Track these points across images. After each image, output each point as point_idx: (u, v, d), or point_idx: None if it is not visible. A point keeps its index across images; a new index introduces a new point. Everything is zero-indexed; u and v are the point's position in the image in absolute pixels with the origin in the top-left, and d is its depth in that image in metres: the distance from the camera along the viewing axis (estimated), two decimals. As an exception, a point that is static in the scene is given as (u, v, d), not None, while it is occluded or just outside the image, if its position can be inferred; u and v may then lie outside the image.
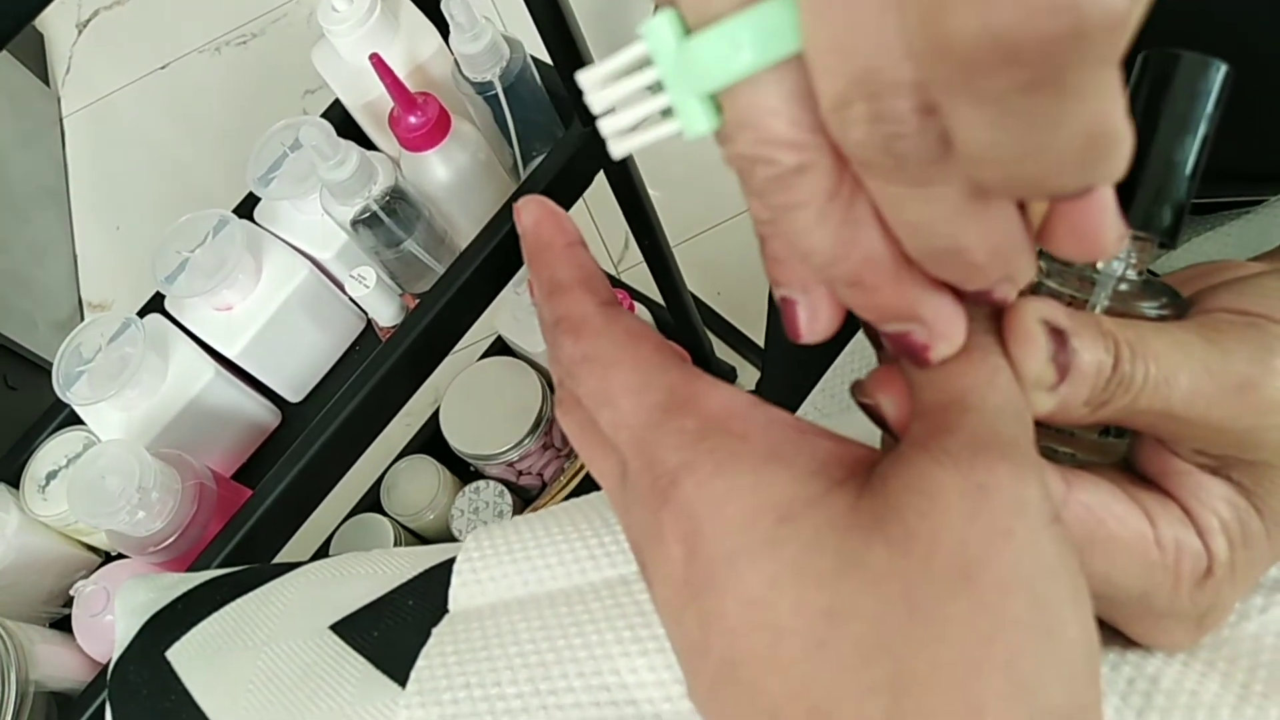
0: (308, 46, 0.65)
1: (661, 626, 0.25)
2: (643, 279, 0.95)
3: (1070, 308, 0.19)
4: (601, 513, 0.29)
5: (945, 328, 0.18)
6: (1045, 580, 0.16)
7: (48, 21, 1.59)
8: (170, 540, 0.60)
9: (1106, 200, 0.17)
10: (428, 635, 0.28)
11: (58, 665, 0.62)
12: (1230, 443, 0.19)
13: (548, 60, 0.61)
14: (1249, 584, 0.21)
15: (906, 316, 0.17)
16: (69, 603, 0.65)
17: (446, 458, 0.96)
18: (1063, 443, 0.21)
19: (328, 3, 0.60)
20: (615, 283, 1.09)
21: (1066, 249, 0.17)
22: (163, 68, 1.51)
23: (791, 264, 0.18)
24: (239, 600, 0.35)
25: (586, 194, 0.67)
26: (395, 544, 0.94)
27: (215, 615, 0.35)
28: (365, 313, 0.67)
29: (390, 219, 0.60)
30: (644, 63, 0.17)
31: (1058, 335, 0.18)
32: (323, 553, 0.97)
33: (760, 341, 1.00)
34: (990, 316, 0.19)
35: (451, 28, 0.58)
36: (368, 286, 0.63)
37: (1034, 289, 0.22)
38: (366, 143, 0.68)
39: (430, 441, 0.97)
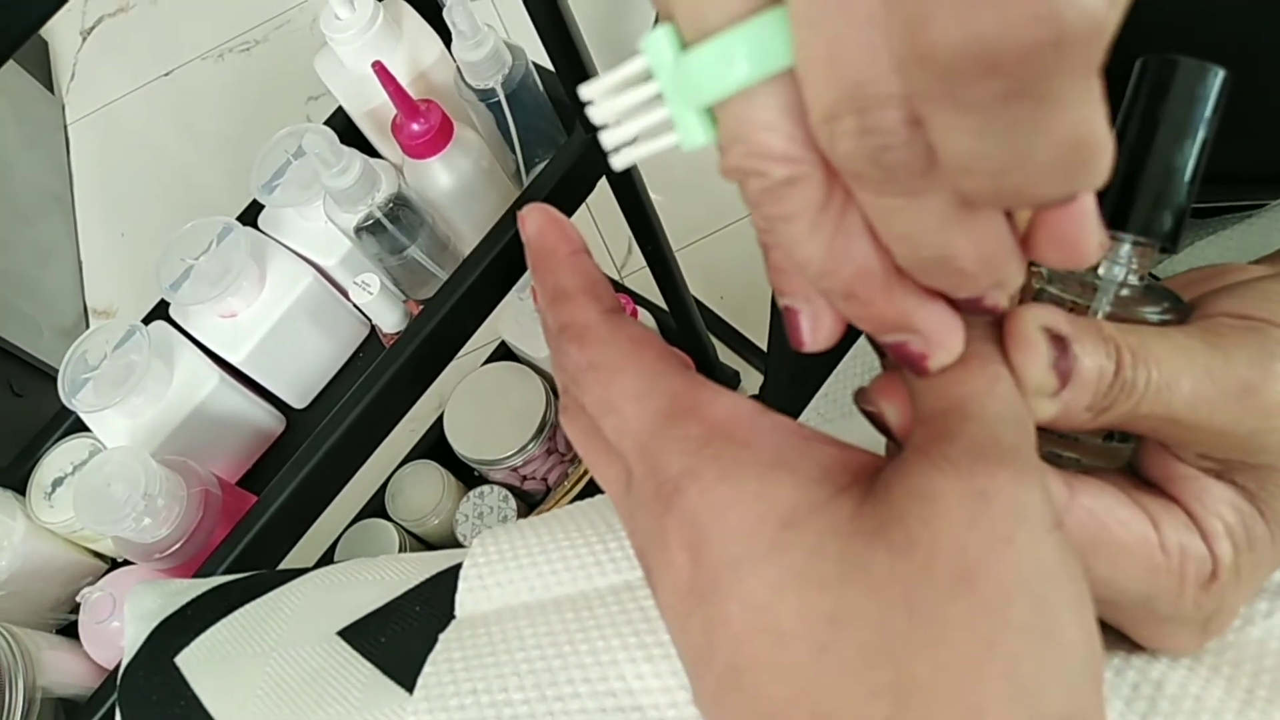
0: (311, 53, 0.65)
1: (667, 632, 0.25)
2: (646, 284, 0.95)
3: (1071, 314, 0.19)
4: (607, 518, 0.29)
5: (942, 337, 0.18)
6: (1046, 585, 0.17)
7: (52, 28, 1.60)
8: (176, 546, 0.60)
9: (1088, 208, 0.17)
10: (435, 641, 0.28)
11: (65, 671, 0.62)
12: (1233, 447, 0.19)
13: (550, 67, 0.61)
14: (1254, 588, 0.21)
15: (902, 327, 0.18)
16: (76, 609, 0.65)
17: (451, 463, 0.96)
18: (1066, 448, 0.21)
19: (330, 10, 0.61)
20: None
21: (1050, 256, 0.17)
22: (166, 74, 1.52)
23: (793, 274, 0.19)
24: (247, 606, 0.35)
25: (589, 199, 0.67)
26: (400, 549, 0.94)
27: (223, 621, 0.35)
28: (369, 319, 0.68)
29: (393, 226, 0.60)
30: (645, 76, 0.17)
31: (1059, 342, 0.18)
32: (328, 558, 0.97)
33: (763, 345, 1.00)
34: (991, 324, 0.19)
35: (454, 35, 0.59)
36: (371, 293, 0.63)
37: (1035, 295, 0.22)
38: (370, 150, 0.68)
39: (435, 447, 0.97)
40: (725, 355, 1.09)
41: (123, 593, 0.63)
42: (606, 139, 0.18)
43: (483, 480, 0.97)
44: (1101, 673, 0.18)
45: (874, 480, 0.18)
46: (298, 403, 0.70)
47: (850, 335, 0.21)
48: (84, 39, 1.59)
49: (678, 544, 0.19)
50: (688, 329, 0.95)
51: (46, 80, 1.53)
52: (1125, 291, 0.21)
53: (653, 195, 0.77)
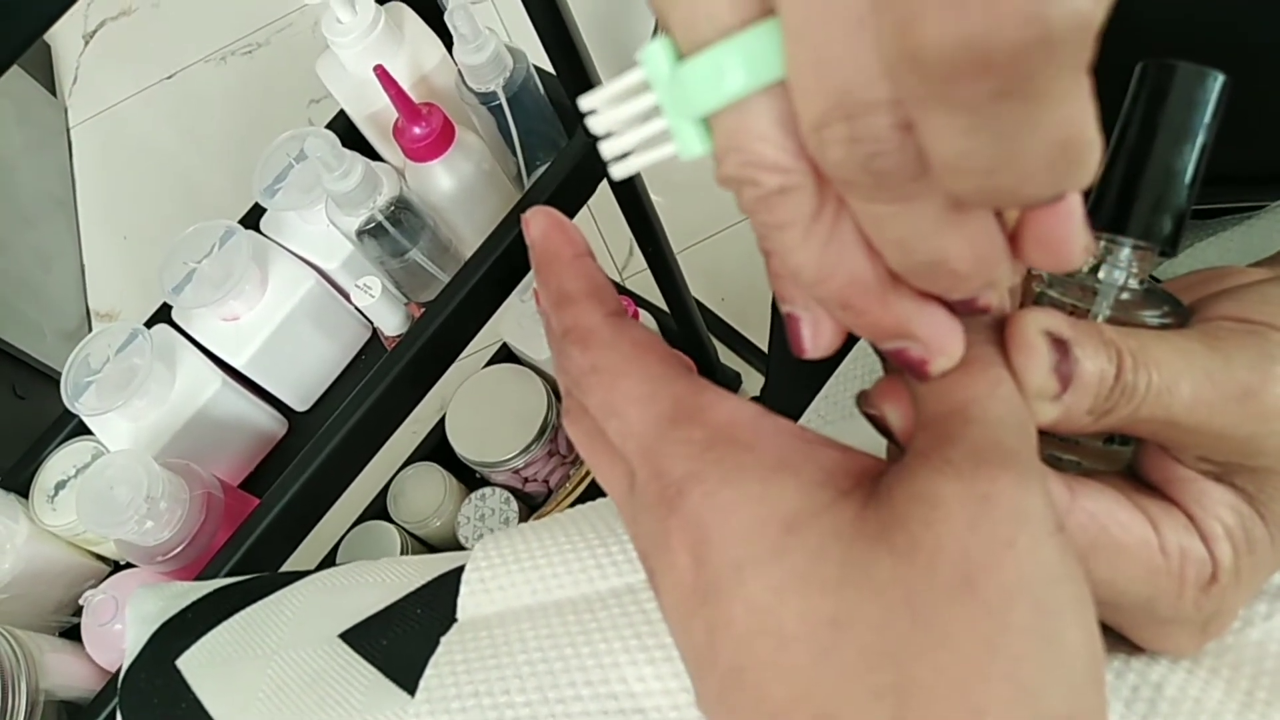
0: (313, 56, 0.66)
1: (669, 635, 0.25)
2: (647, 286, 0.95)
3: (1072, 317, 0.19)
4: (608, 521, 0.29)
5: (942, 342, 0.18)
6: (1047, 588, 0.17)
7: (55, 32, 1.60)
8: (178, 549, 0.60)
9: (1074, 210, 0.17)
10: (436, 644, 0.28)
11: (67, 674, 0.63)
12: (1233, 449, 0.19)
13: (551, 70, 0.61)
14: (1253, 590, 0.21)
15: (900, 334, 0.18)
16: (78, 612, 0.66)
17: (452, 465, 0.96)
18: (1067, 451, 0.22)
19: (332, 14, 0.61)
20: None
21: (1036, 258, 0.17)
22: (169, 78, 1.52)
23: (794, 281, 0.19)
24: (248, 609, 0.35)
25: (590, 201, 0.68)
26: (402, 551, 0.94)
27: (225, 624, 0.35)
28: (371, 322, 0.68)
29: (395, 229, 0.60)
30: (643, 87, 0.17)
31: (1060, 345, 0.19)
32: (329, 561, 0.97)
33: (764, 347, 1.00)
34: (992, 327, 0.19)
35: (455, 39, 0.59)
36: (373, 296, 0.63)
37: (1035, 299, 0.22)
38: (371, 153, 0.68)
39: (436, 449, 0.97)
40: (726, 357, 1.09)
41: (125, 595, 0.63)
42: (606, 149, 0.18)
43: (484, 482, 0.97)
44: (1103, 675, 0.18)
45: (876, 484, 0.19)
46: (300, 405, 0.70)
47: (851, 339, 0.21)
48: (86, 42, 1.60)
49: (681, 546, 0.19)
50: (689, 331, 0.95)
51: (49, 83, 1.53)
52: (1125, 295, 0.22)
53: (654, 197, 0.77)
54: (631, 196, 0.74)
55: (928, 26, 0.12)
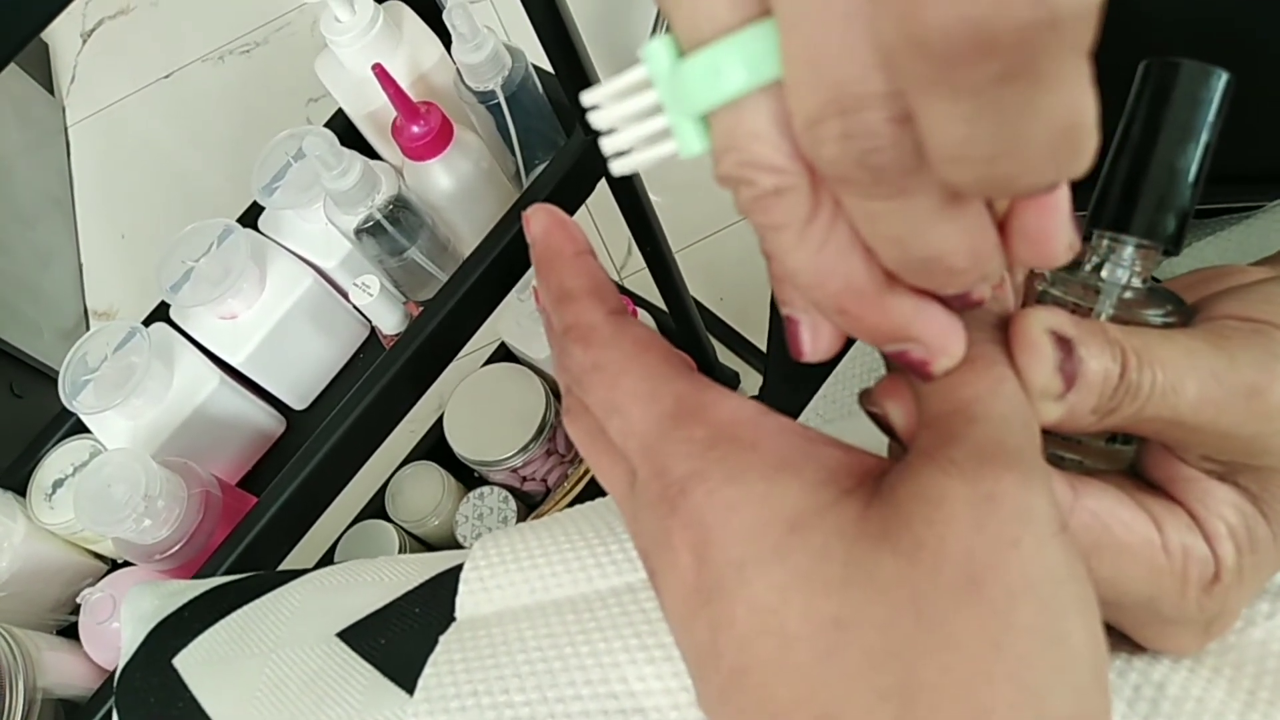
0: (311, 55, 0.66)
1: (669, 634, 0.25)
2: (645, 285, 0.95)
3: (1075, 316, 0.19)
4: (608, 520, 0.29)
5: (942, 342, 0.18)
6: (1052, 588, 0.17)
7: (52, 31, 1.60)
8: (176, 548, 0.60)
9: (1062, 204, 0.17)
10: (435, 643, 0.28)
11: (65, 672, 0.62)
12: (1237, 449, 0.19)
13: (549, 69, 0.61)
14: (1256, 589, 0.21)
15: (899, 337, 0.18)
16: (76, 610, 0.65)
17: (451, 464, 0.96)
18: (1070, 450, 0.21)
19: (330, 13, 0.61)
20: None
21: (1022, 252, 0.17)
22: (167, 77, 1.52)
23: (793, 284, 0.19)
24: (245, 607, 0.35)
25: (589, 200, 0.68)
26: (400, 550, 0.94)
27: (222, 622, 0.35)
28: (369, 321, 0.68)
29: (394, 228, 0.60)
30: (645, 84, 0.17)
31: (1064, 344, 0.18)
32: (328, 559, 0.97)
33: (763, 346, 1.00)
34: (996, 326, 0.19)
35: (453, 37, 0.59)
36: (371, 295, 0.63)
37: (1038, 298, 0.22)
38: (370, 152, 0.68)
39: (434, 448, 0.97)
40: (725, 356, 1.09)
41: (123, 594, 0.63)
42: (607, 145, 0.18)
43: (483, 481, 0.97)
44: (1107, 675, 0.18)
45: (879, 483, 0.18)
46: (298, 404, 0.70)
47: (850, 340, 0.21)
48: (84, 41, 1.59)
49: (683, 545, 0.19)
50: (687, 330, 0.95)
51: (47, 82, 1.53)
52: (1128, 294, 0.21)
53: (652, 196, 0.77)
54: (630, 196, 0.74)
55: (932, 9, 0.12)
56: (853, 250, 0.16)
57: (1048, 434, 0.19)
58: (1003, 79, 0.12)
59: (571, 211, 0.66)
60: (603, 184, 0.69)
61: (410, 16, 0.65)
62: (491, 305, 0.66)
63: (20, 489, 0.67)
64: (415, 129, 0.60)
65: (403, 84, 0.58)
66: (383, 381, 0.62)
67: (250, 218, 0.69)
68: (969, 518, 0.17)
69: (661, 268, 0.85)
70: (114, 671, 0.61)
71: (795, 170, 0.16)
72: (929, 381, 0.19)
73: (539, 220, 0.23)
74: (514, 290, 0.68)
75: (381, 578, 0.34)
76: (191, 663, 0.34)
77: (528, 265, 0.66)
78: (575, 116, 0.64)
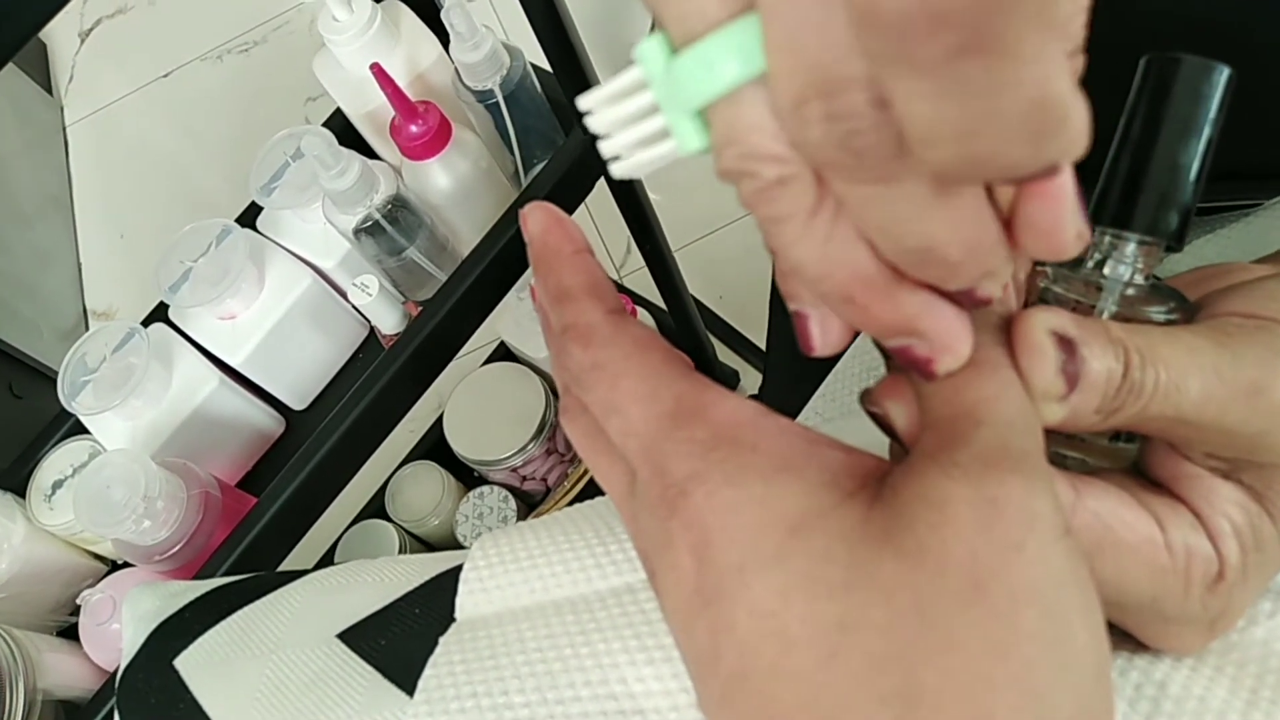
0: (309, 54, 0.65)
1: (669, 635, 0.25)
2: (645, 283, 0.95)
3: (1078, 315, 0.19)
4: (607, 520, 0.29)
5: (948, 340, 0.18)
6: (1056, 592, 0.16)
7: (50, 31, 1.60)
8: (176, 548, 0.60)
9: (1066, 193, 0.17)
10: (435, 644, 0.28)
11: (65, 674, 0.62)
12: (1242, 446, 0.19)
13: (548, 68, 0.61)
14: (1260, 588, 0.21)
15: (905, 331, 0.17)
16: (76, 611, 0.65)
17: (450, 464, 0.96)
18: (1073, 449, 0.21)
19: (328, 12, 0.60)
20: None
21: (1030, 245, 0.17)
22: (165, 76, 1.52)
23: (798, 278, 0.19)
24: (246, 608, 0.35)
25: (588, 199, 0.67)
26: (400, 550, 0.94)
27: (222, 623, 0.35)
28: (368, 320, 0.68)
29: (392, 227, 0.60)
30: (641, 85, 0.17)
31: (1066, 345, 0.18)
32: (328, 559, 0.97)
33: (762, 344, 1.00)
34: (999, 328, 0.19)
35: (452, 36, 0.59)
36: (370, 294, 0.63)
37: (1040, 295, 0.22)
38: (368, 151, 0.68)
39: (434, 448, 0.97)
40: (724, 354, 1.09)
41: (123, 595, 0.63)
42: (605, 148, 0.18)
43: (482, 481, 0.97)
44: (1111, 678, 0.17)
45: (881, 485, 0.18)
46: (297, 404, 0.70)
47: (854, 336, 0.21)
48: (82, 41, 1.59)
49: (683, 547, 0.18)
50: (686, 328, 0.95)
51: (45, 82, 1.53)
52: (1130, 291, 0.21)
53: (651, 195, 0.77)
54: (629, 194, 0.74)
55: None
56: (859, 241, 0.16)
57: (1050, 433, 0.19)
58: (960, 52, 0.12)
59: (570, 210, 0.66)
60: (601, 183, 0.69)
61: (408, 16, 0.65)
62: (490, 305, 0.66)
63: (20, 490, 0.67)
64: (413, 128, 0.60)
65: (401, 83, 0.58)
66: (382, 381, 0.61)
67: (249, 218, 0.69)
68: (973, 521, 0.17)
69: (661, 266, 0.85)
70: (114, 672, 0.61)
71: (797, 159, 0.16)
72: (931, 381, 0.19)
73: (537, 218, 0.23)
74: (513, 290, 0.68)
75: (381, 578, 0.34)
76: (192, 664, 0.34)
77: (527, 265, 0.66)
78: (574, 115, 0.64)
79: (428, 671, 0.27)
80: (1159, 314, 0.21)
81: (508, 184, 0.68)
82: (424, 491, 0.95)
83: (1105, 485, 0.20)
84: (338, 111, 0.68)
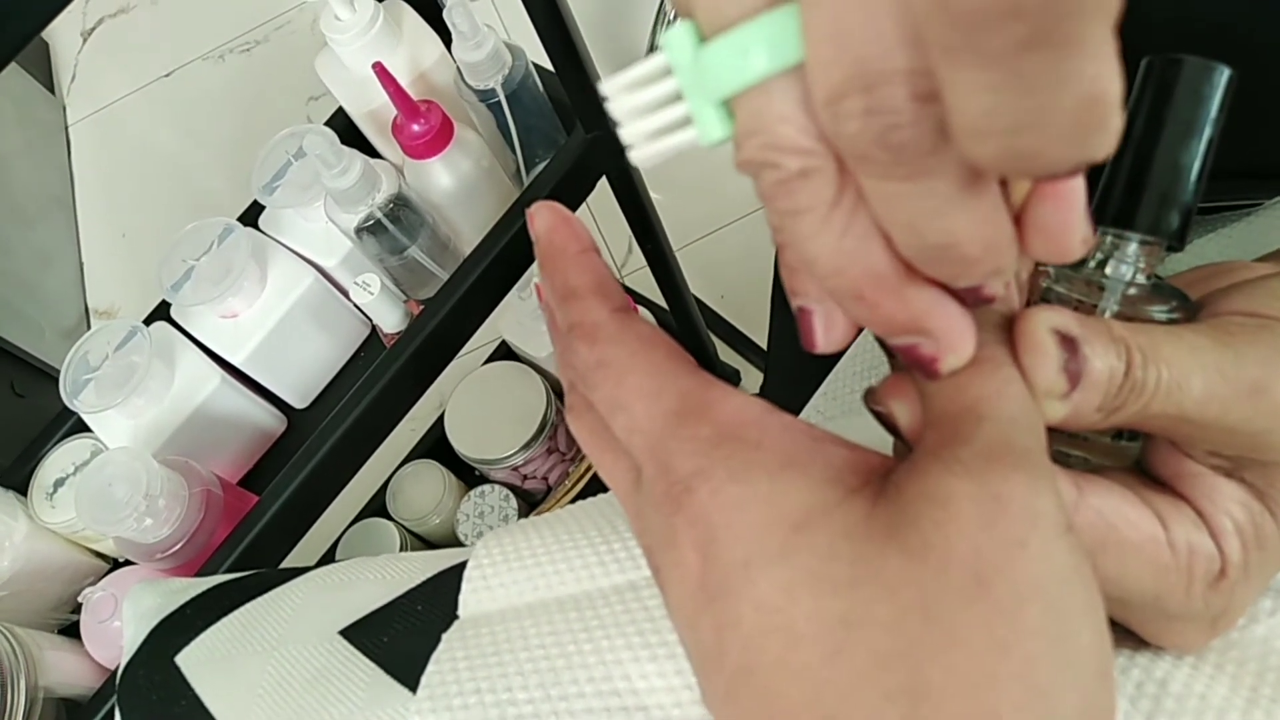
0: (311, 53, 0.66)
1: (672, 632, 0.25)
2: (646, 283, 0.95)
3: (1080, 314, 0.19)
4: (610, 518, 0.29)
5: (953, 339, 0.18)
6: (1059, 588, 0.17)
7: (53, 30, 1.60)
8: (178, 546, 0.60)
9: (1078, 197, 0.17)
10: (438, 640, 0.28)
11: (66, 671, 0.62)
12: (1244, 444, 0.19)
13: (549, 67, 0.61)
14: (1262, 585, 0.21)
15: (913, 329, 0.17)
16: (77, 609, 0.65)
17: (452, 462, 0.96)
18: (1075, 447, 0.21)
19: (331, 11, 0.61)
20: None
21: (1037, 247, 0.17)
22: (167, 75, 1.52)
23: (808, 274, 0.19)
24: (247, 605, 0.35)
25: (590, 198, 0.67)
26: (401, 549, 0.94)
27: (224, 620, 0.35)
28: (370, 319, 0.68)
29: (394, 226, 0.60)
30: (663, 73, 0.17)
31: (1069, 343, 0.18)
32: (329, 558, 0.97)
33: (763, 344, 1.00)
34: (1001, 326, 0.19)
35: (454, 36, 0.59)
36: (372, 293, 0.63)
37: (1042, 295, 0.22)
38: (370, 150, 0.68)
39: (435, 446, 0.97)
40: (725, 354, 1.09)
41: (124, 593, 0.63)
42: (623, 134, 0.18)
43: (484, 480, 0.97)
44: (1113, 674, 0.17)
45: (885, 482, 0.18)
46: (299, 403, 0.70)
47: (857, 333, 0.21)
48: (85, 40, 1.59)
49: (688, 544, 0.19)
50: (688, 328, 0.95)
51: (47, 81, 1.53)
52: (1132, 290, 0.21)
53: (653, 194, 0.77)
54: (631, 193, 0.74)
55: None
56: (874, 236, 0.16)
57: (1053, 431, 0.19)
58: (1029, 44, 0.12)
59: (572, 209, 0.66)
60: (603, 182, 0.69)
61: (410, 15, 0.65)
62: (492, 304, 0.66)
63: (21, 488, 0.67)
64: (415, 127, 0.60)
65: (403, 82, 0.58)
66: (383, 380, 0.62)
67: (251, 216, 0.69)
68: (976, 518, 0.17)
69: (662, 265, 0.85)
70: (116, 670, 0.61)
71: (821, 152, 0.16)
72: (935, 380, 0.19)
73: (543, 218, 0.23)
74: (515, 289, 0.68)
75: (384, 575, 0.34)
76: (194, 661, 0.34)
77: (528, 263, 0.66)
78: (576, 114, 0.64)
79: (431, 668, 0.27)
80: (1161, 313, 0.21)
81: (509, 183, 0.68)
82: (425, 490, 0.95)
83: (1108, 483, 0.20)
84: (340, 110, 0.68)
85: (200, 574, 0.60)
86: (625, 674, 0.25)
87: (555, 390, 0.93)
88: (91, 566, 0.69)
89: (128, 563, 0.67)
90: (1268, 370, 0.19)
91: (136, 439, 0.63)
